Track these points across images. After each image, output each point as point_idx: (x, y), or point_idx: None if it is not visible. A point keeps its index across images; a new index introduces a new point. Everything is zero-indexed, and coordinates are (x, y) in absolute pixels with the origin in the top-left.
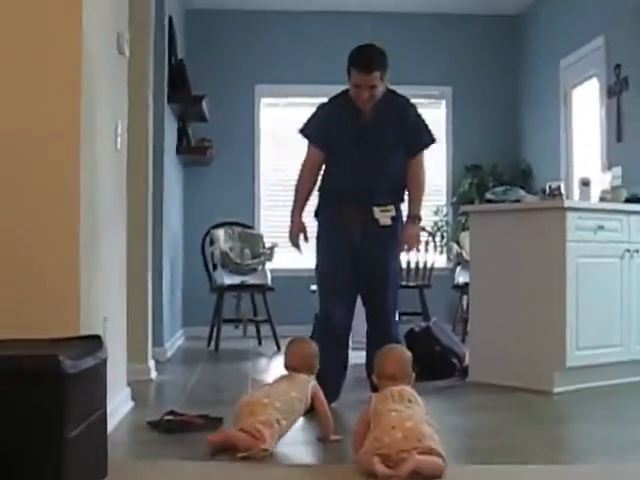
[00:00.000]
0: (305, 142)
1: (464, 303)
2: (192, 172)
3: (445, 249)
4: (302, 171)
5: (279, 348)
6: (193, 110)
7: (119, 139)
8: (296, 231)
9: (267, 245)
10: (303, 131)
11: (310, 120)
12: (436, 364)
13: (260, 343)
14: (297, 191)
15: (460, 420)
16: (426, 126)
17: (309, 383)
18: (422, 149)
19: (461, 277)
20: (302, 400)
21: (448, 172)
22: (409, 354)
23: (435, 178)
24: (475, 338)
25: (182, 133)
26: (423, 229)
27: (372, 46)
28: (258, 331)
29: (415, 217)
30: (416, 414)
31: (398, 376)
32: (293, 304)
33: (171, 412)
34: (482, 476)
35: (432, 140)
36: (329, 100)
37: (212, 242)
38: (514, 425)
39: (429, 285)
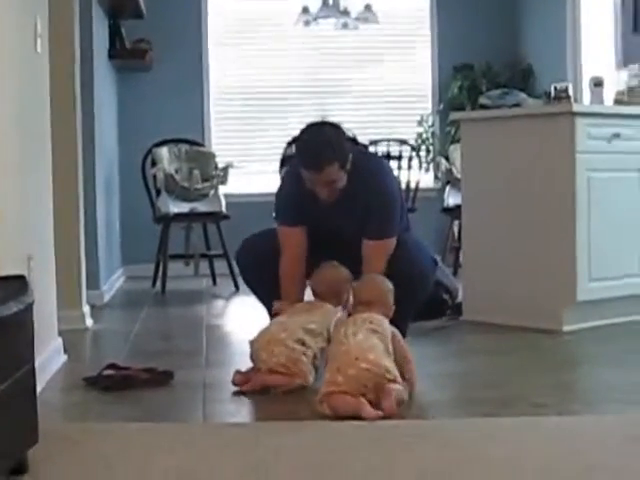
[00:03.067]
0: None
1: (455, 229)
2: (128, 79)
3: (431, 166)
4: (286, 261)
5: (237, 287)
6: (126, 5)
7: (39, 40)
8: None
9: (220, 165)
10: (278, 219)
11: (279, 208)
12: (424, 301)
13: (215, 282)
14: (285, 280)
15: (455, 366)
16: (389, 218)
17: (334, 315)
18: (380, 237)
19: (451, 198)
20: (320, 334)
21: (434, 74)
22: (390, 286)
23: (418, 82)
24: (469, 269)
25: (114, 33)
26: (405, 142)
27: (321, 130)
28: (212, 268)
29: None
30: (377, 346)
31: (374, 303)
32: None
33: (111, 366)
34: (485, 430)
35: (390, 235)
36: (287, 175)
37: (154, 163)
38: (518, 371)
39: (413, 209)
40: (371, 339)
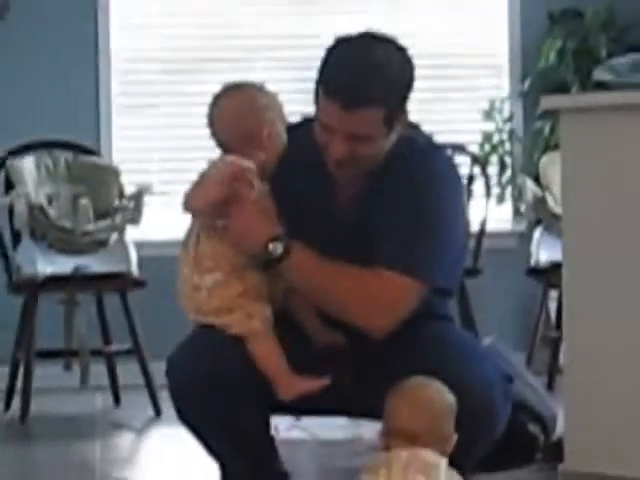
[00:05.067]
0: None
1: (551, 305)
2: None
3: (509, 192)
4: None
5: (158, 411)
6: None
7: None
8: None
9: (129, 191)
10: None
11: None
12: (499, 437)
13: (118, 401)
14: None
15: None
16: (430, 243)
17: None
18: (402, 268)
19: (544, 251)
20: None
21: (513, 28)
22: (448, 400)
23: (487, 42)
24: (575, 382)
25: None
26: (462, 149)
27: (377, 46)
28: (113, 375)
29: None
30: None
31: (420, 434)
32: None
33: None
34: None
35: (423, 273)
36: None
37: (10, 186)
38: None
39: (476, 271)
40: None
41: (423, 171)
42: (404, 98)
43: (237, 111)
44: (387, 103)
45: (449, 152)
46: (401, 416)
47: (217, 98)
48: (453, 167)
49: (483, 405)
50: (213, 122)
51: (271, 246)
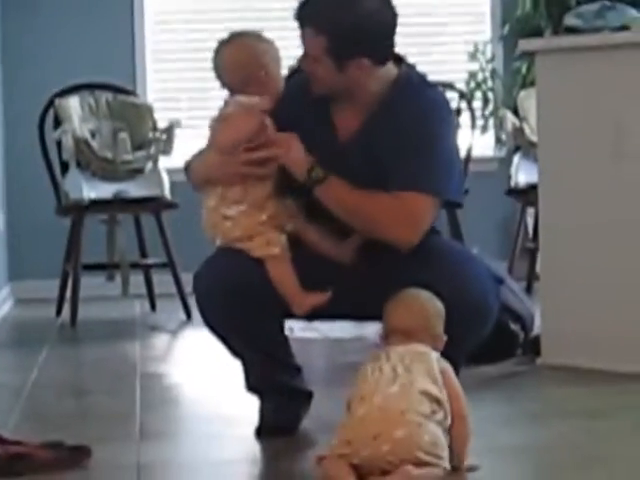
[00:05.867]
0: None
1: (529, 221)
2: None
3: (491, 123)
4: None
5: (189, 315)
6: None
7: None
8: None
9: (161, 125)
10: None
11: None
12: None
13: (154, 307)
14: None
15: (532, 435)
16: (435, 164)
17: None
18: (415, 188)
19: (522, 174)
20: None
21: None
22: (439, 306)
23: None
24: (550, 285)
25: None
26: (450, 86)
27: None
28: (149, 285)
29: None
30: (415, 407)
31: (415, 331)
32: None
33: None
34: None
35: (434, 189)
36: (291, 76)
37: (58, 122)
38: (630, 442)
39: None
40: (409, 395)
41: (422, 103)
42: (362, 43)
43: (235, 59)
44: (332, 37)
45: (440, 89)
46: (398, 316)
47: (219, 47)
48: (446, 100)
49: (478, 306)
50: (217, 67)
51: (313, 172)
